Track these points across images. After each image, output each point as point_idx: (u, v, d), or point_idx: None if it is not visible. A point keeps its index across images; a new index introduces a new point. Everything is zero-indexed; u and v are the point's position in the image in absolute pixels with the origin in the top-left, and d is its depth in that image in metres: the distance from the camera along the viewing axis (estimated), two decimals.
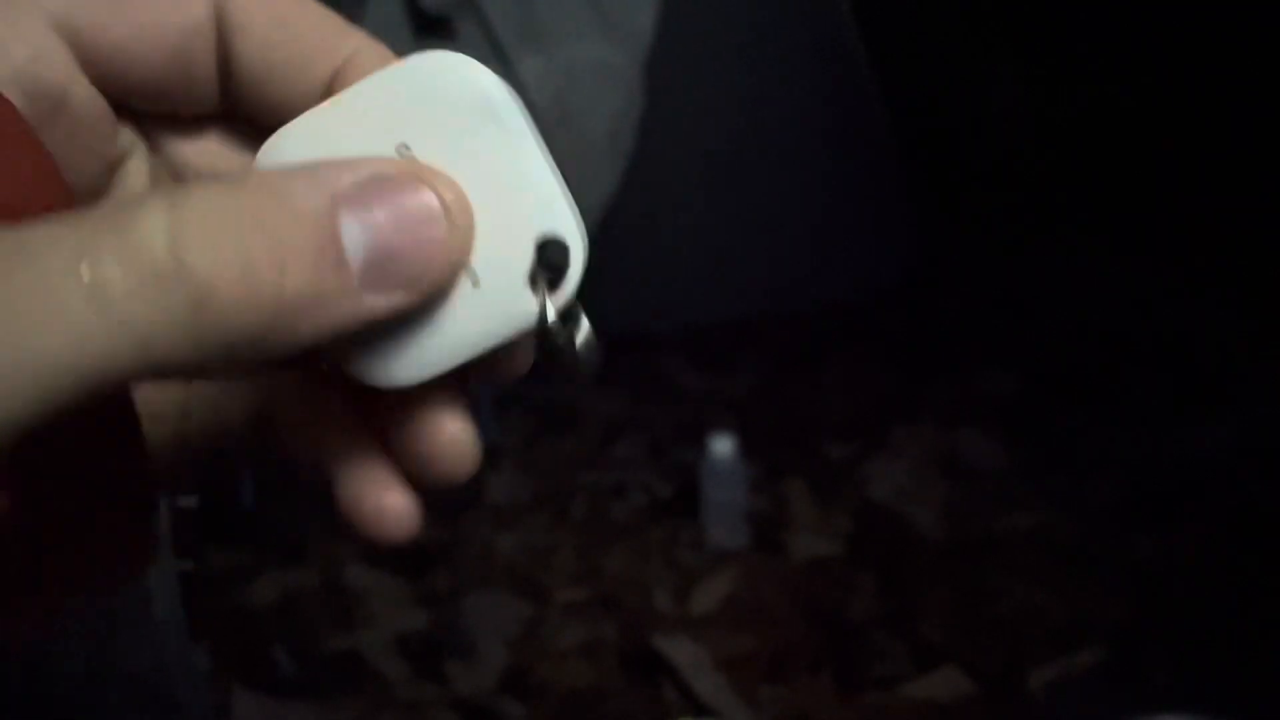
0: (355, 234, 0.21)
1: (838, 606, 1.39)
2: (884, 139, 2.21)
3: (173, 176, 0.27)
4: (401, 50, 0.24)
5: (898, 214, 2.26)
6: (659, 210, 2.03)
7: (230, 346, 0.19)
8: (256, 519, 1.55)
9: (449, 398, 0.25)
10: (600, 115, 1.62)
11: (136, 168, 0.26)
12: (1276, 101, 1.90)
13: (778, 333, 2.12)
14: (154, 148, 0.27)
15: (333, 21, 0.25)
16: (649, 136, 1.74)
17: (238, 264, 0.19)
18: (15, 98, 0.22)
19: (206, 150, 0.27)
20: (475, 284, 0.23)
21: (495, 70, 0.23)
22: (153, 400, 0.26)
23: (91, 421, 0.22)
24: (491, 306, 0.23)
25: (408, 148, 0.23)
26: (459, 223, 0.22)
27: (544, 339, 0.23)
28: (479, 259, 0.23)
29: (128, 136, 0.26)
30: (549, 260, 0.23)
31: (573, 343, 0.24)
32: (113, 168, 0.26)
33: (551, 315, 0.23)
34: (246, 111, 0.26)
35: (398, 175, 0.22)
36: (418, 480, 0.25)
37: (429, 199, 0.22)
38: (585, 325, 0.24)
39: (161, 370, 0.19)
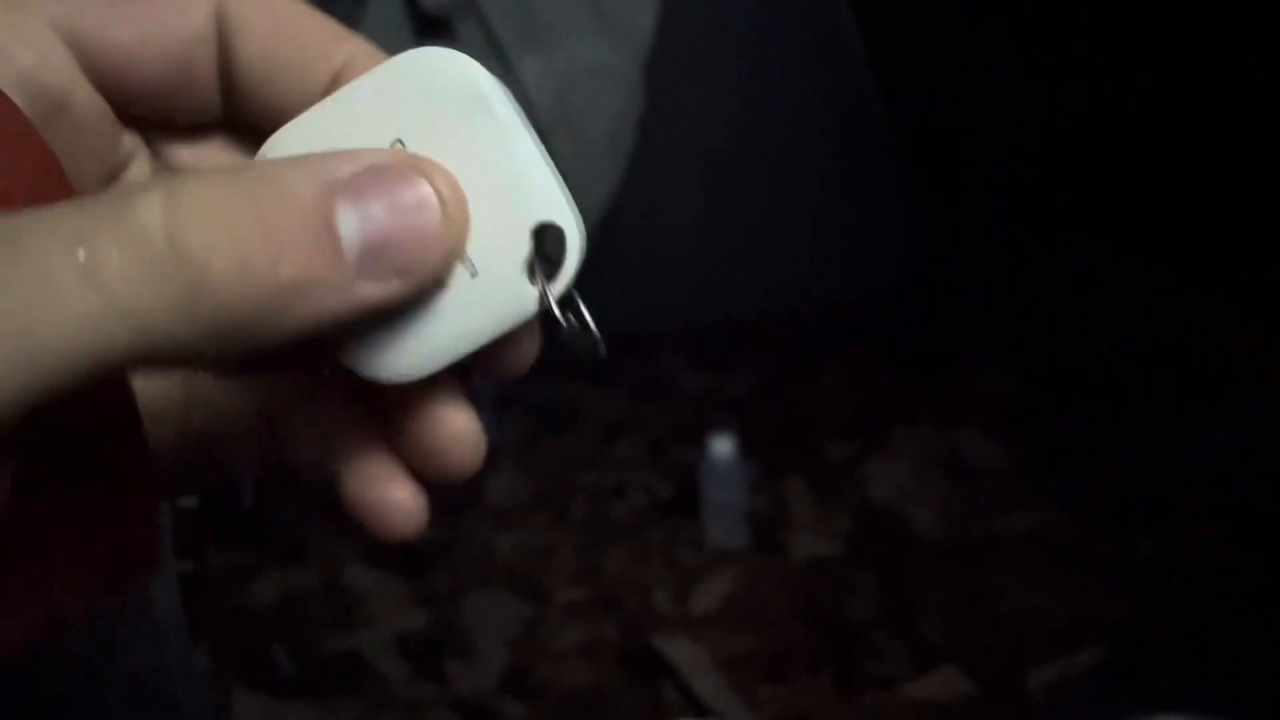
0: (351, 223, 0.21)
1: (838, 606, 1.39)
2: (884, 139, 2.21)
3: None
4: (402, 51, 0.24)
5: (898, 214, 2.26)
6: (659, 210, 2.03)
7: (226, 331, 0.20)
8: (256, 519, 1.55)
9: (453, 392, 0.25)
10: (600, 115, 1.62)
11: (139, 172, 0.26)
12: (1276, 101, 1.90)
13: (778, 333, 2.12)
14: (156, 154, 0.27)
15: (330, 26, 0.25)
16: (649, 136, 1.74)
17: (234, 249, 0.19)
18: (18, 100, 0.22)
19: (208, 157, 0.27)
20: (473, 275, 0.23)
21: (495, 70, 0.23)
22: (154, 400, 0.26)
23: (91, 410, 0.22)
24: (490, 297, 0.23)
25: (402, 142, 0.23)
26: (454, 213, 0.22)
27: (546, 325, 0.23)
28: (476, 250, 0.23)
29: (130, 142, 0.26)
30: (545, 248, 0.23)
31: (574, 330, 0.24)
32: (115, 173, 0.26)
33: (550, 303, 0.23)
34: (247, 117, 0.26)
35: (394, 165, 0.22)
36: (423, 476, 0.26)
37: (424, 189, 0.22)
38: (585, 315, 0.24)
39: (158, 354, 0.19)
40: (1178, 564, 1.40)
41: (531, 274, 0.23)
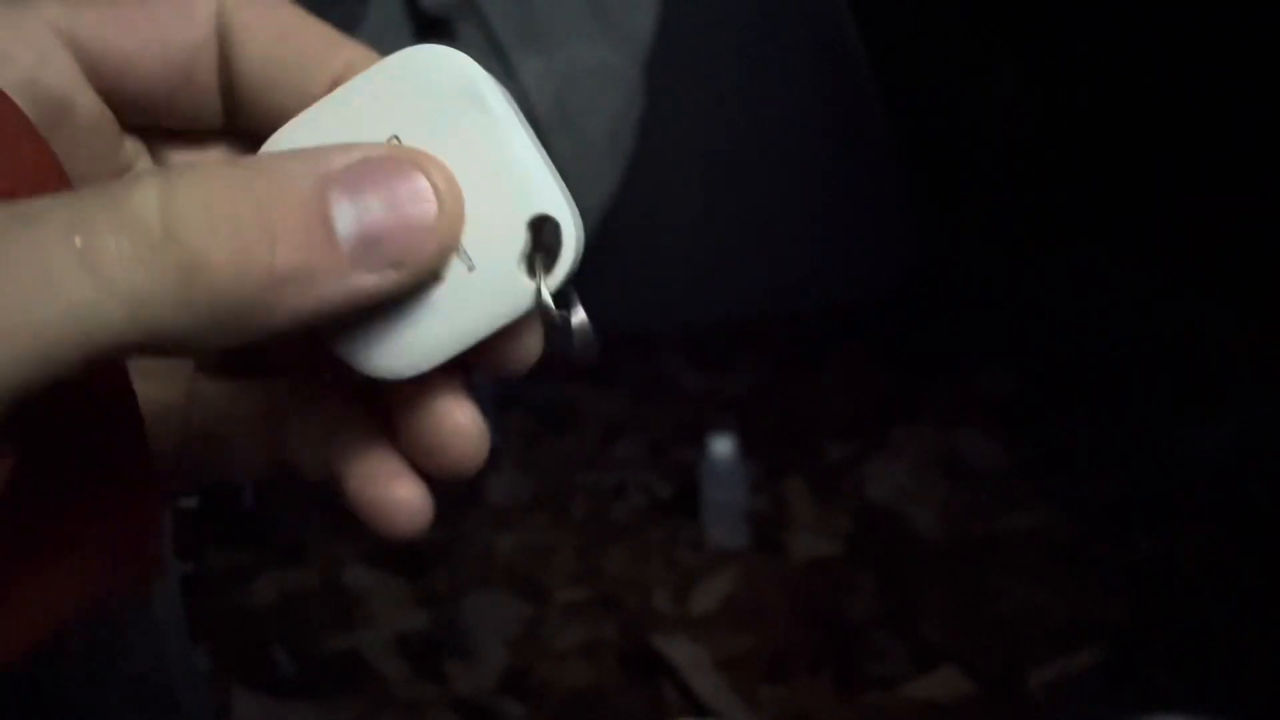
0: (346, 213, 0.21)
1: (838, 606, 1.39)
2: (884, 139, 2.21)
3: None
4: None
5: (898, 214, 2.26)
6: (659, 210, 2.03)
7: (221, 318, 0.20)
8: (256, 519, 1.55)
9: (454, 386, 0.25)
10: (600, 115, 1.62)
11: None
12: (1276, 101, 1.90)
13: (778, 333, 2.12)
14: (158, 160, 0.27)
15: (329, 33, 0.25)
16: (649, 136, 1.74)
17: (229, 236, 0.20)
18: (20, 103, 0.22)
19: (209, 162, 0.27)
20: (470, 269, 0.23)
21: (495, 71, 0.24)
22: (155, 402, 0.26)
23: (91, 404, 0.22)
24: (487, 290, 0.23)
25: (398, 138, 0.23)
26: (449, 205, 0.23)
27: (545, 321, 0.24)
28: (472, 243, 0.23)
29: (132, 147, 0.26)
30: (542, 240, 0.23)
31: (569, 324, 0.24)
32: (116, 178, 0.26)
33: (546, 294, 0.23)
34: (248, 124, 0.26)
35: (389, 158, 0.22)
36: (427, 472, 0.26)
37: (419, 181, 0.22)
38: (580, 311, 0.24)
39: (154, 341, 0.19)
40: (1178, 564, 1.40)
41: (529, 267, 0.23)
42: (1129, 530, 1.47)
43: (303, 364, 0.27)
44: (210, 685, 1.25)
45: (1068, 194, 2.28)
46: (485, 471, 0.26)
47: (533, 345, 0.25)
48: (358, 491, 0.25)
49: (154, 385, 0.26)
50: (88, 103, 0.25)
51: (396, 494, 0.25)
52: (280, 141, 0.24)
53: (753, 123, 2.12)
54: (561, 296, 0.24)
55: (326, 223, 0.21)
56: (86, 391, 0.22)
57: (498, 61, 1.47)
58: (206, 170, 0.20)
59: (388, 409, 0.25)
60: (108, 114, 0.25)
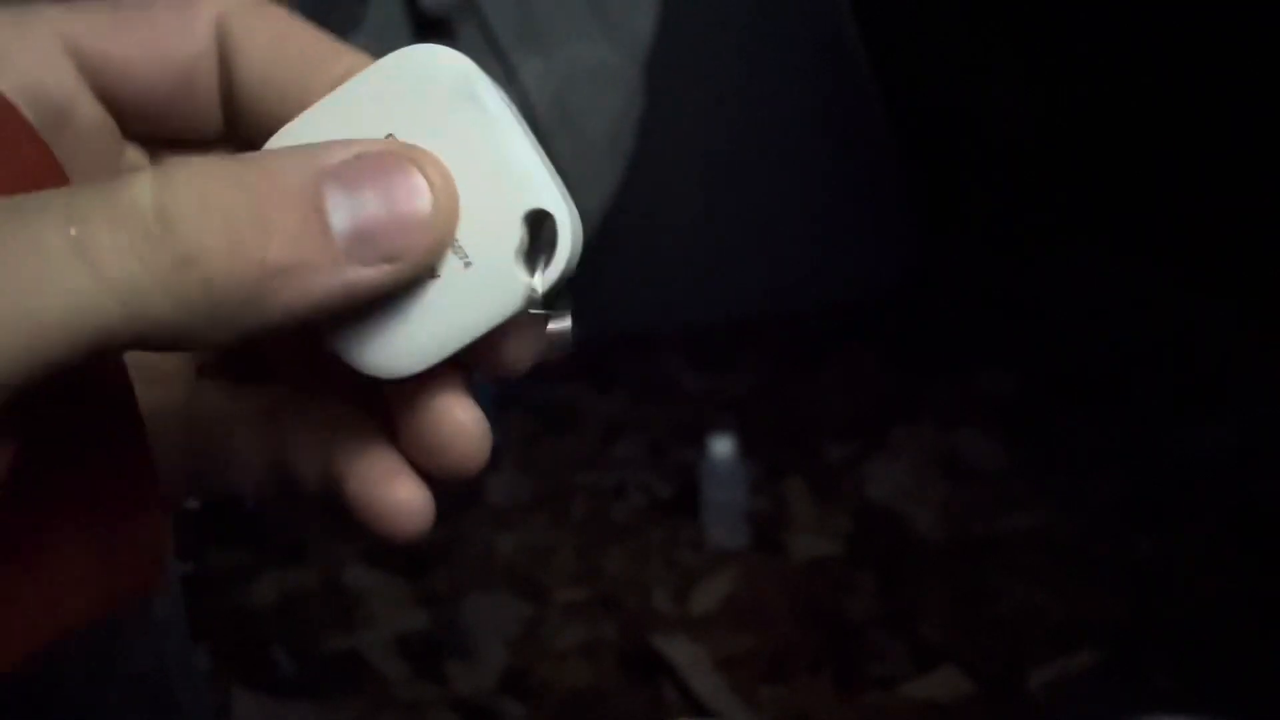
0: (341, 207, 0.21)
1: (838, 606, 1.39)
2: (884, 139, 2.21)
3: None
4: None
5: (898, 214, 2.26)
6: (659, 210, 2.03)
7: (215, 309, 0.20)
8: (256, 519, 1.55)
9: (455, 385, 0.25)
10: (600, 116, 1.62)
11: None
12: (1276, 101, 1.90)
13: (778, 333, 2.12)
14: None
15: (329, 42, 0.25)
16: (649, 136, 1.74)
17: (223, 229, 0.20)
18: (21, 108, 0.22)
19: None
20: (467, 264, 0.23)
21: (495, 71, 0.24)
22: (157, 411, 0.26)
23: (89, 399, 0.22)
24: (484, 286, 0.23)
25: (394, 137, 0.23)
26: (444, 200, 0.23)
27: (526, 305, 0.24)
28: (469, 240, 0.23)
29: (133, 155, 0.26)
30: (538, 234, 0.23)
31: (546, 321, 0.24)
32: None
33: (543, 289, 0.23)
34: (248, 133, 0.26)
35: (383, 153, 0.22)
36: (428, 473, 0.25)
37: (414, 175, 0.22)
38: (568, 318, 0.25)
39: (148, 333, 0.19)
40: (1178, 564, 1.40)
41: (526, 263, 0.23)
42: (1129, 530, 1.47)
43: (303, 368, 0.27)
44: (210, 685, 1.25)
45: (1068, 194, 2.28)
46: (485, 471, 0.26)
47: (533, 345, 0.25)
48: (358, 493, 0.25)
49: (155, 390, 0.26)
50: (89, 109, 0.25)
51: (397, 495, 0.25)
52: (278, 143, 0.24)
53: (752, 123, 2.12)
54: (560, 298, 0.24)
55: (321, 217, 0.21)
56: (85, 388, 0.22)
57: (497, 62, 1.47)
58: (202, 164, 0.20)
59: (388, 410, 0.25)
60: (109, 121, 0.25)
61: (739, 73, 2.10)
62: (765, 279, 2.16)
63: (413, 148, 0.23)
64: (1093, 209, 2.25)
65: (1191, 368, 1.82)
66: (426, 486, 0.25)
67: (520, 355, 0.25)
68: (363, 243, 0.21)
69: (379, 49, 0.25)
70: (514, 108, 0.24)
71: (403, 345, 0.23)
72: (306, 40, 0.25)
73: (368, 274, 0.21)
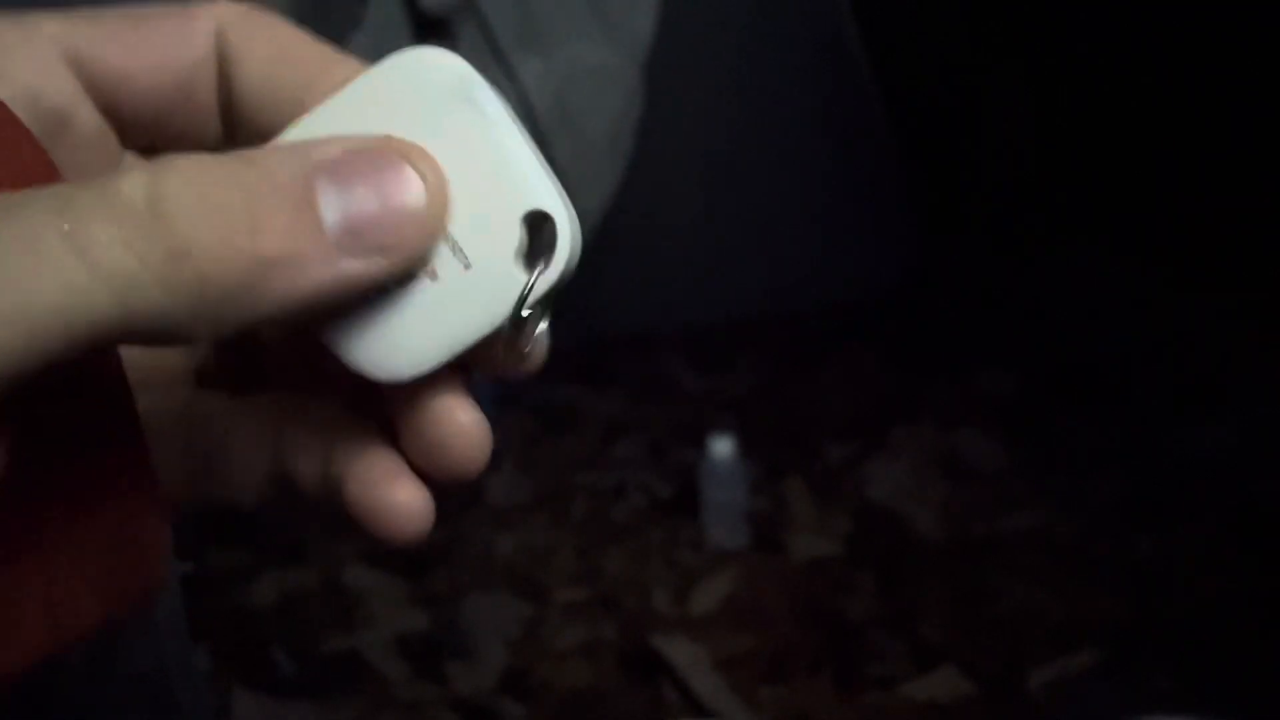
0: (332, 201, 0.21)
1: (837, 606, 1.39)
2: (884, 139, 2.21)
3: None
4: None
5: (898, 214, 2.26)
6: (659, 210, 2.03)
7: (207, 302, 0.20)
8: (256, 519, 1.55)
9: (456, 387, 0.25)
10: (600, 116, 1.62)
11: None
12: (1276, 101, 1.90)
13: (778, 333, 2.12)
14: None
15: (327, 52, 0.26)
16: (649, 137, 1.74)
17: (215, 221, 0.20)
18: (20, 115, 0.22)
19: None
20: (467, 267, 0.23)
21: (495, 71, 0.24)
22: (157, 418, 0.26)
23: (85, 399, 0.22)
24: (484, 288, 0.23)
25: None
26: (435, 192, 0.23)
27: (514, 306, 0.24)
28: (468, 243, 0.23)
29: (132, 163, 0.26)
30: (537, 236, 0.23)
31: (525, 323, 0.24)
32: None
33: (541, 290, 0.23)
34: (247, 142, 0.26)
35: (374, 147, 0.22)
36: (429, 474, 0.25)
37: (405, 169, 0.22)
38: (545, 320, 0.25)
39: (143, 325, 0.19)
40: (1178, 564, 1.40)
41: (525, 264, 0.23)
42: (1129, 530, 1.47)
43: (302, 373, 0.27)
44: (210, 685, 1.25)
45: (1067, 194, 2.28)
46: (485, 472, 0.26)
47: (538, 346, 0.25)
48: (358, 495, 0.25)
49: (154, 397, 0.26)
50: (88, 117, 0.25)
51: (397, 497, 0.25)
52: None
53: (752, 123, 2.12)
54: (556, 290, 0.24)
55: (312, 210, 0.21)
56: (82, 387, 0.22)
57: (497, 62, 1.47)
58: (195, 160, 0.21)
59: (388, 412, 0.25)
60: (108, 129, 0.25)
61: (739, 73, 2.10)
62: (765, 279, 2.16)
63: (403, 142, 0.23)
64: (1092, 209, 2.24)
65: (1191, 368, 1.82)
66: (427, 488, 0.25)
67: (522, 356, 0.25)
68: (354, 235, 0.21)
69: (379, 49, 0.25)
70: (512, 111, 0.24)
71: (405, 348, 0.24)
72: (305, 49, 0.25)
73: (360, 266, 0.22)
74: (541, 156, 0.24)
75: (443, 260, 0.23)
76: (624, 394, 1.94)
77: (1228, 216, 2.00)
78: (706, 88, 2.05)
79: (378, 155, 0.22)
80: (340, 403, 0.27)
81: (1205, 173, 2.06)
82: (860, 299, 2.15)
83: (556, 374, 1.85)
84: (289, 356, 0.28)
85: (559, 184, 0.24)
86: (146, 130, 0.26)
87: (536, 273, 0.23)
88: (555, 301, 0.24)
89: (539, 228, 0.23)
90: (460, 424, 0.25)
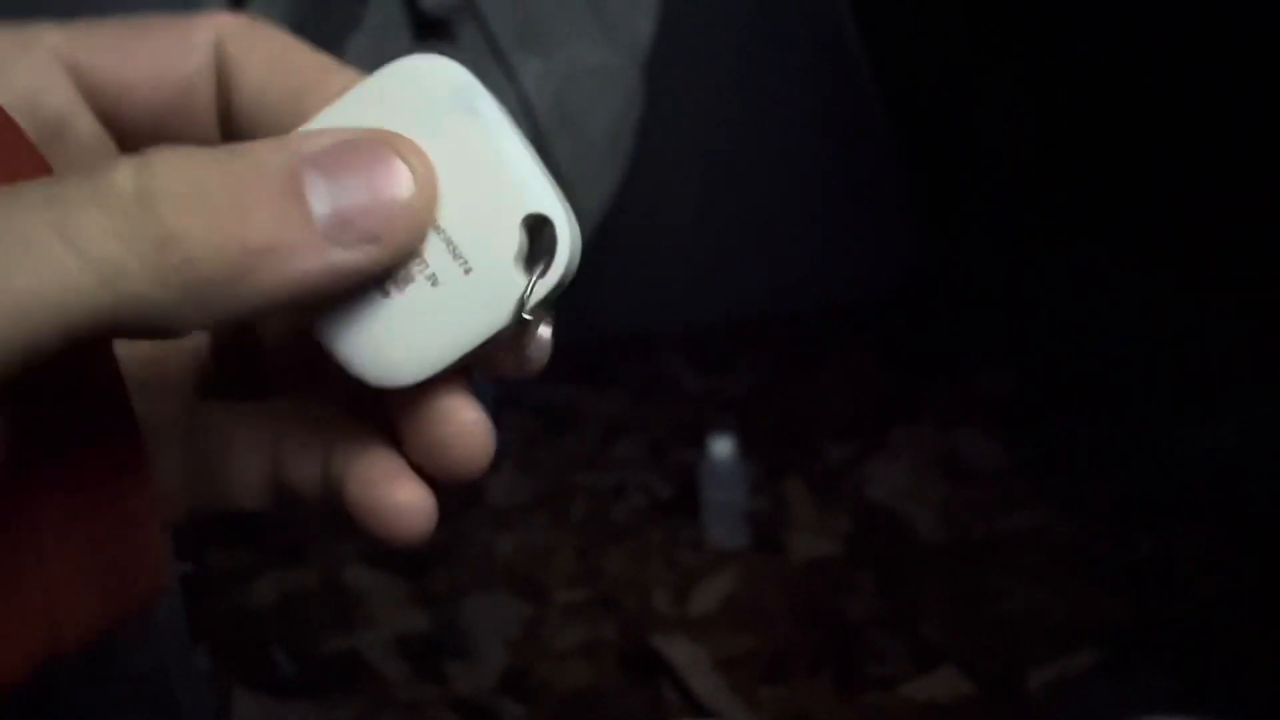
0: (320, 191, 0.21)
1: (837, 606, 1.39)
2: (884, 139, 2.21)
3: None
4: (401, 52, 0.25)
5: (898, 214, 2.26)
6: (659, 210, 2.03)
7: (195, 291, 0.20)
8: (256, 519, 1.55)
9: (458, 387, 0.25)
10: (600, 117, 1.62)
11: None
12: (1277, 101, 1.90)
13: (778, 333, 2.12)
14: None
15: (326, 61, 0.26)
16: (649, 137, 1.74)
17: (203, 210, 0.20)
18: (19, 122, 0.23)
19: None
20: (467, 272, 0.23)
21: (495, 72, 0.24)
22: (156, 425, 0.26)
23: (81, 396, 0.22)
24: (484, 292, 0.23)
25: None
26: (423, 184, 0.23)
27: (515, 308, 0.24)
28: (468, 247, 0.23)
29: None
30: (537, 240, 0.23)
31: (526, 327, 0.24)
32: None
33: (541, 294, 0.23)
34: None
35: (363, 139, 0.22)
36: (431, 475, 0.25)
37: (393, 160, 0.23)
38: (548, 328, 0.25)
39: (133, 315, 0.20)
40: (1178, 564, 1.40)
41: (525, 268, 0.23)
42: (1129, 530, 1.47)
43: (301, 378, 0.27)
44: (210, 685, 1.25)
45: (1067, 194, 2.28)
46: (485, 472, 0.26)
47: (541, 348, 0.25)
48: (359, 496, 0.25)
49: (152, 406, 0.26)
50: (86, 125, 0.25)
51: (399, 497, 0.25)
52: None
53: (752, 123, 2.12)
54: (556, 293, 0.24)
55: (301, 200, 0.21)
56: (78, 386, 0.22)
57: (497, 63, 1.47)
58: (184, 150, 0.21)
59: (389, 413, 0.25)
60: (106, 137, 0.26)
61: (739, 73, 2.10)
62: (765, 279, 2.16)
63: (391, 134, 0.23)
64: (1092, 209, 2.24)
65: (1191, 368, 1.82)
66: (428, 489, 0.25)
67: (524, 359, 0.25)
68: (343, 225, 0.22)
69: (379, 50, 0.26)
70: (511, 117, 0.24)
71: (406, 354, 0.24)
72: (303, 59, 0.25)
73: (348, 256, 0.22)
74: (541, 161, 0.24)
75: (442, 265, 0.23)
76: (624, 394, 1.94)
77: (1228, 216, 2.00)
78: (706, 88, 2.05)
79: (366, 146, 0.22)
80: (340, 404, 0.27)
81: (1205, 173, 2.06)
82: (860, 299, 2.15)
83: (556, 374, 1.85)
84: (289, 361, 0.28)
85: (558, 188, 0.24)
86: (145, 139, 0.26)
87: (536, 276, 0.23)
88: (557, 303, 0.24)
89: (539, 232, 0.23)
90: (463, 423, 0.25)
